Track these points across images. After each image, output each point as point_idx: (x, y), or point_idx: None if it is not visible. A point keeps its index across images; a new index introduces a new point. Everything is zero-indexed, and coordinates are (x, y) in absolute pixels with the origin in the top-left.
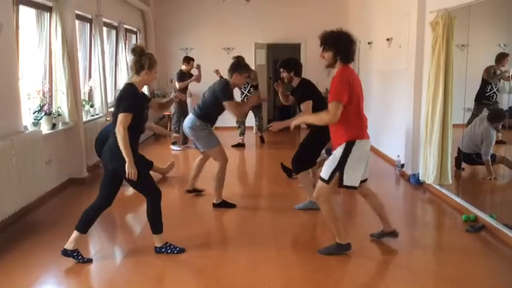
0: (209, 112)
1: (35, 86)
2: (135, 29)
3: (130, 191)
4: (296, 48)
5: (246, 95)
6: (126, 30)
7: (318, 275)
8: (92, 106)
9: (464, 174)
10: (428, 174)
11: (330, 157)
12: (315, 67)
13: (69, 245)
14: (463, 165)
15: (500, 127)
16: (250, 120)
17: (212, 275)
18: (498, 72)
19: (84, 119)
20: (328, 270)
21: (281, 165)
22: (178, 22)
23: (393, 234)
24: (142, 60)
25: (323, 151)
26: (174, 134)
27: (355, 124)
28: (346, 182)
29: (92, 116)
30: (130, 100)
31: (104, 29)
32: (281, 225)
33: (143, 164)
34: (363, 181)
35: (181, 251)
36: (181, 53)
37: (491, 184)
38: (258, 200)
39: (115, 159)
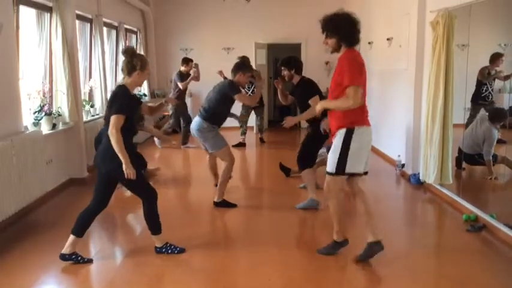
0: (215, 113)
1: (35, 86)
2: (135, 29)
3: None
4: (296, 48)
5: (249, 95)
6: (126, 30)
7: (318, 275)
8: (92, 106)
9: (465, 174)
10: (428, 174)
11: (331, 149)
12: (316, 67)
13: (66, 250)
14: (464, 165)
15: (499, 127)
16: (251, 120)
17: (212, 274)
18: (493, 72)
19: (85, 119)
20: (328, 270)
21: (279, 164)
22: (179, 22)
23: (379, 246)
24: (134, 61)
25: (324, 150)
26: (162, 138)
27: (356, 108)
28: (348, 169)
29: (92, 116)
30: (122, 101)
31: (104, 29)
32: (281, 225)
33: (138, 166)
34: (364, 173)
35: (182, 251)
36: (181, 53)
37: (491, 184)
38: (259, 199)
39: (108, 161)
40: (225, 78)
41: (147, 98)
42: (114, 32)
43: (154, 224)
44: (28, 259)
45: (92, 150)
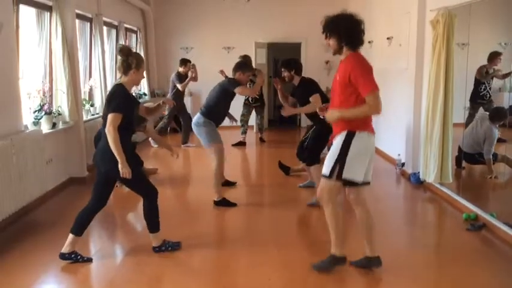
0: (214, 109)
1: (35, 86)
2: (135, 29)
3: (129, 190)
4: (296, 47)
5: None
6: (126, 29)
7: (318, 275)
8: (92, 105)
9: (465, 173)
10: (428, 173)
11: (330, 151)
12: (316, 66)
13: (65, 249)
14: (464, 164)
15: (498, 126)
16: (251, 119)
17: (212, 274)
18: (491, 71)
19: (85, 118)
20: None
21: (279, 163)
22: (179, 21)
23: (376, 261)
24: (130, 60)
25: (326, 150)
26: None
27: None
28: (345, 174)
29: (92, 115)
30: (119, 100)
31: (104, 28)
32: (281, 225)
33: (137, 164)
34: (365, 183)
35: (178, 245)
36: (181, 52)
37: (491, 183)
38: (258, 198)
39: (107, 161)
40: (226, 77)
41: (147, 97)
42: (114, 32)
43: (153, 221)
44: (28, 258)
45: (92, 149)
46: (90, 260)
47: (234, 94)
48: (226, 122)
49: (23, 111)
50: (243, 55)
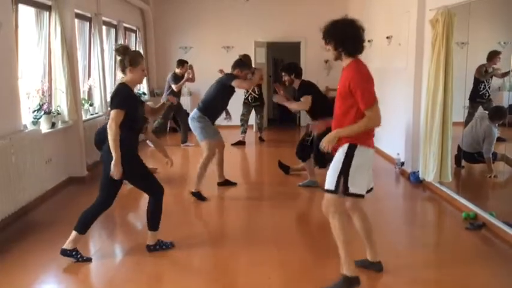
0: (210, 106)
1: (35, 85)
2: (134, 28)
3: (129, 189)
4: (296, 46)
5: (250, 93)
6: (126, 29)
7: (318, 274)
8: (91, 105)
9: (464, 172)
10: (428, 172)
11: (331, 164)
12: (315, 65)
13: (67, 245)
14: (463, 163)
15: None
16: (251, 119)
17: (212, 273)
18: (490, 70)
19: (84, 118)
20: (328, 269)
21: (278, 162)
22: (178, 21)
23: (377, 266)
24: (126, 58)
25: None
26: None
27: None
28: (352, 189)
29: (92, 114)
30: (121, 97)
31: (104, 27)
32: (281, 224)
33: (142, 163)
34: (369, 191)
35: (171, 244)
36: (180, 52)
37: (491, 182)
38: (258, 198)
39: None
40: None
41: (146, 97)
42: (113, 31)
43: (156, 220)
44: (27, 258)
45: (92, 149)
46: (89, 259)
47: (232, 90)
48: (226, 121)
49: (22, 110)
50: (242, 54)
